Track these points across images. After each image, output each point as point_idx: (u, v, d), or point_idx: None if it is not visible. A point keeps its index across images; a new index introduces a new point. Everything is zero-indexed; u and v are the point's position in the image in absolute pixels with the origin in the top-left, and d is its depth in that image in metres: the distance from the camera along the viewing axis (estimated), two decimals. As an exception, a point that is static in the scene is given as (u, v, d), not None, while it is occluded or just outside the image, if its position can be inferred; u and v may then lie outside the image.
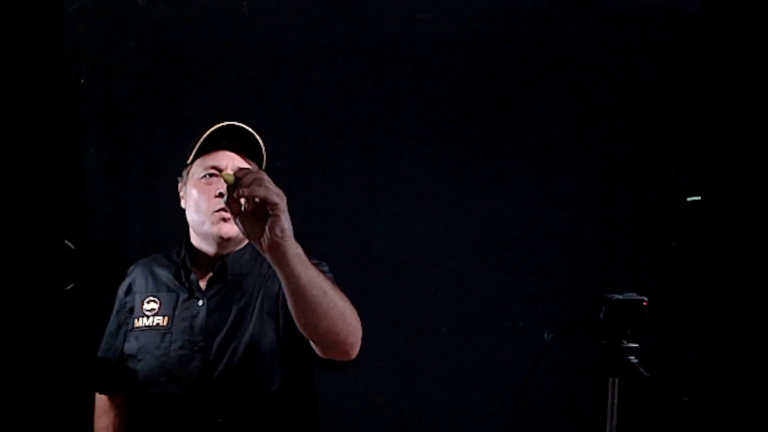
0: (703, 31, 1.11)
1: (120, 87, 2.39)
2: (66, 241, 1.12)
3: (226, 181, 1.16)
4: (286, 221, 1.15)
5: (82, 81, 2.37)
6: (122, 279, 1.67)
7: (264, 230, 1.16)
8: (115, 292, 1.66)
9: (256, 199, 1.15)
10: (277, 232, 1.15)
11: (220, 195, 1.49)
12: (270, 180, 1.15)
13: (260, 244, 1.18)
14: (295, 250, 1.18)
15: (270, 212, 1.15)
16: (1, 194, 1.02)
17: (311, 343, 1.34)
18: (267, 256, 1.19)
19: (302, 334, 1.40)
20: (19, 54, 1.03)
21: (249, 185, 1.14)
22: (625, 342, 1.47)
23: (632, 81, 2.36)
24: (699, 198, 1.90)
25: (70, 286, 1.12)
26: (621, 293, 1.49)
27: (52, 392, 1.03)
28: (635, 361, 1.46)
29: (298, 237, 1.20)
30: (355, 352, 1.34)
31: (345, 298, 1.29)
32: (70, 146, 2.31)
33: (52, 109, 1.06)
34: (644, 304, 1.48)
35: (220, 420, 1.47)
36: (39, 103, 1.05)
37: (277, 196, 1.14)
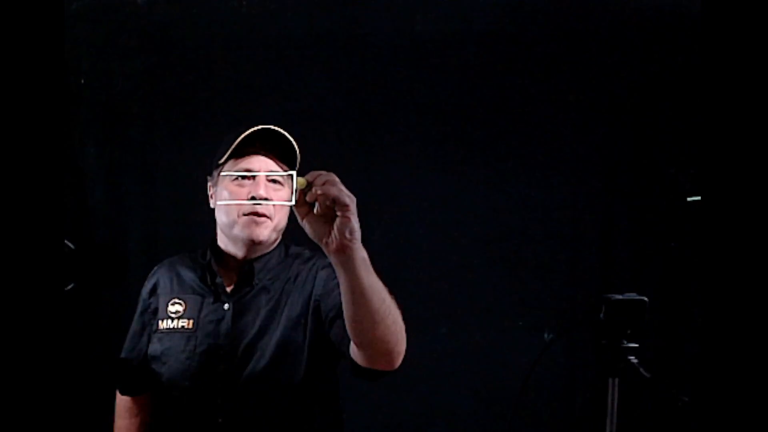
0: (703, 31, 1.11)
1: (120, 87, 2.38)
2: (66, 241, 1.12)
3: (298, 184, 1.14)
4: (355, 223, 1.13)
5: (82, 81, 2.36)
6: (122, 279, 1.66)
7: (331, 232, 1.13)
8: (118, 292, 1.65)
9: (328, 202, 1.12)
10: (346, 234, 1.12)
11: (253, 198, 1.48)
12: (340, 182, 1.13)
13: (326, 245, 1.15)
14: (361, 254, 1.16)
15: (339, 214, 1.12)
16: (1, 194, 1.01)
17: (356, 350, 1.32)
18: (332, 258, 1.16)
19: (336, 339, 1.41)
20: (20, 54, 1.03)
21: (322, 185, 1.11)
22: (625, 342, 1.47)
23: (632, 81, 2.36)
24: (699, 198, 1.89)
25: (70, 286, 1.12)
26: (621, 293, 1.48)
27: (52, 392, 1.03)
28: (635, 361, 1.45)
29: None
30: (399, 361, 1.32)
31: (397, 306, 1.27)
32: (70, 146, 2.32)
33: (52, 109, 1.06)
34: (644, 304, 1.47)
35: (243, 423, 1.47)
36: (39, 103, 1.05)
37: (348, 197, 1.12)
